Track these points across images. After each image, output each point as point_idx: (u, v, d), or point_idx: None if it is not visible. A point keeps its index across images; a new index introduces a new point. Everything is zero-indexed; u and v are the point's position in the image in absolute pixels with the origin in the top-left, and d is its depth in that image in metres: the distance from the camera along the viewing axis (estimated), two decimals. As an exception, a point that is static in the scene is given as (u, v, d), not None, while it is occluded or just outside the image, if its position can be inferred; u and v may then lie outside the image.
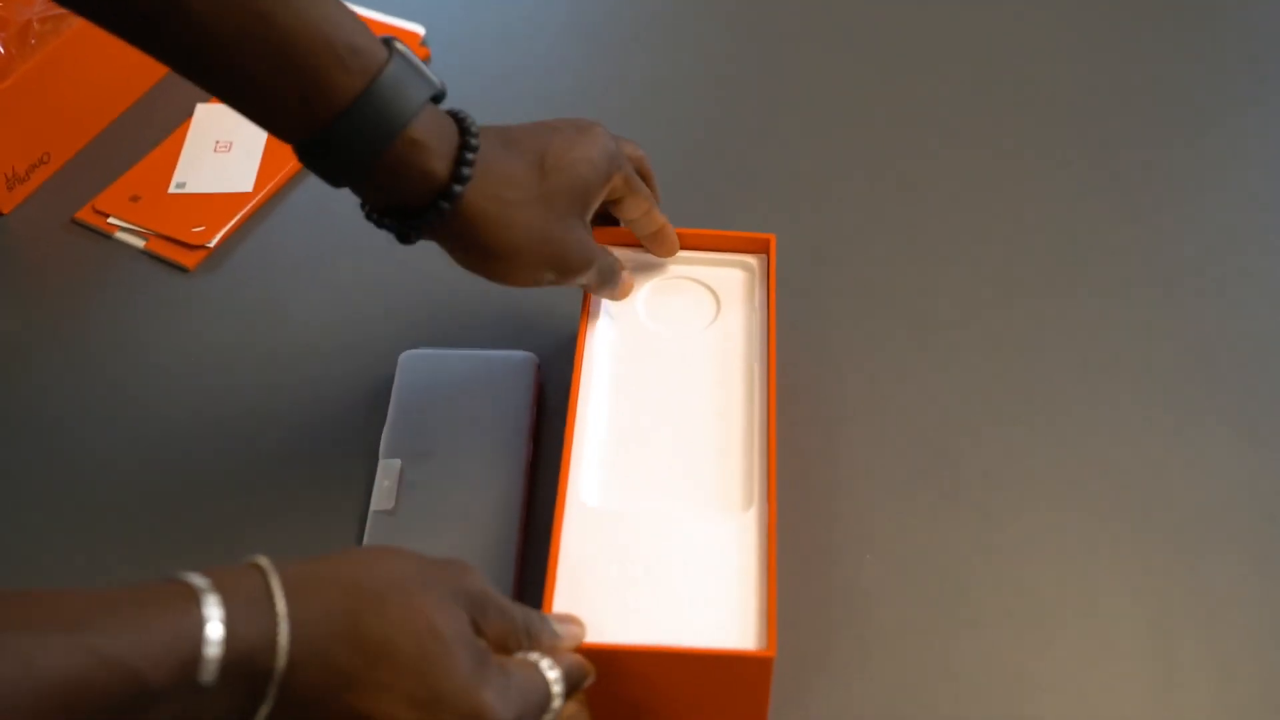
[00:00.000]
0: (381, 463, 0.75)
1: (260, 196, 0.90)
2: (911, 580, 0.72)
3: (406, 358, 0.80)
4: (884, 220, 0.91)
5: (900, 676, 0.69)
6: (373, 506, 0.73)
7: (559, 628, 0.60)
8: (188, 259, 0.86)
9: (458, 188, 0.64)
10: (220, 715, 0.50)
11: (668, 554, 0.65)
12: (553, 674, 0.57)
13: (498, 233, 0.67)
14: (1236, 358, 0.83)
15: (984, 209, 0.91)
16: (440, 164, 0.64)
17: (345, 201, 0.91)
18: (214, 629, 0.49)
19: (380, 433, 0.76)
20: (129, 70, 0.95)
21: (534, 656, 0.57)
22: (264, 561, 0.52)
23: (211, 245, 0.87)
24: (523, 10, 1.06)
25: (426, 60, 1.00)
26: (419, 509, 0.73)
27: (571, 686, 0.58)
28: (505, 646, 0.57)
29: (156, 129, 0.94)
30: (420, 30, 1.01)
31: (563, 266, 0.70)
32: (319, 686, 0.51)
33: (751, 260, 0.79)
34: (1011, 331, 0.84)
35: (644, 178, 0.75)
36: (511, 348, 0.81)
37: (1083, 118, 0.98)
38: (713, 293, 0.77)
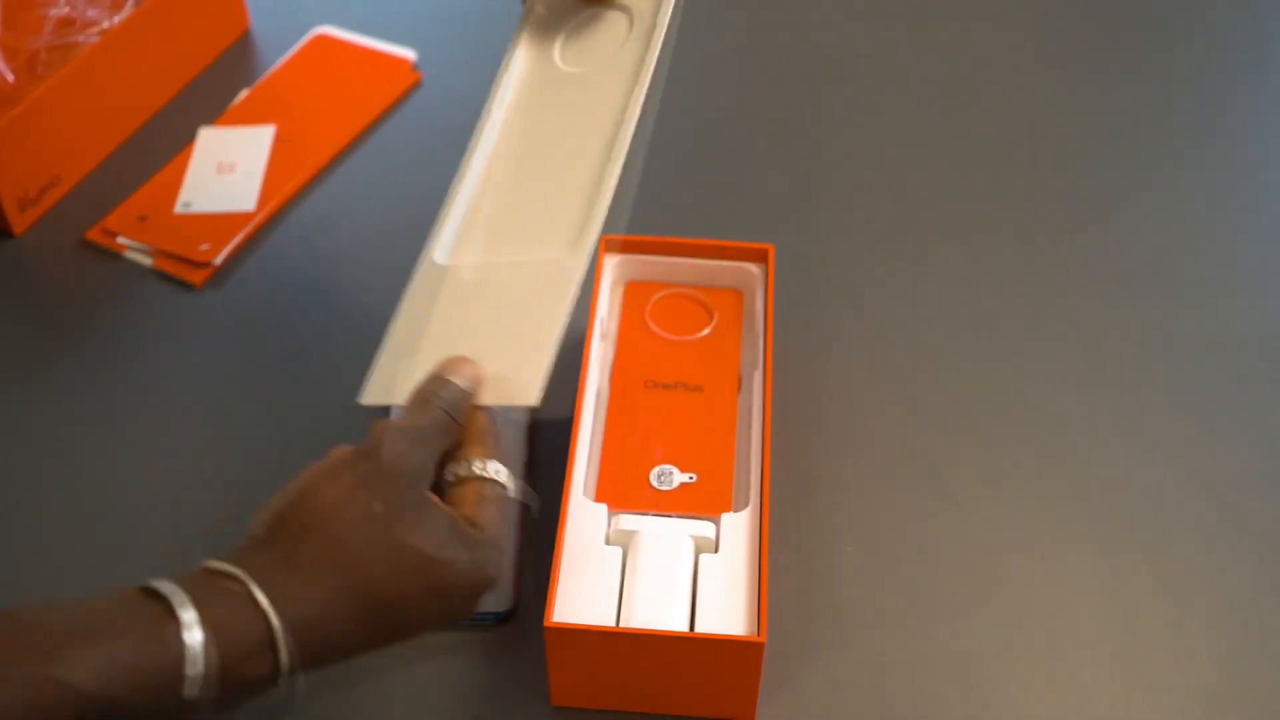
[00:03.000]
0: None
1: (263, 215, 0.91)
2: (890, 571, 0.73)
3: (407, 367, 0.82)
4: (872, 231, 0.92)
5: (881, 662, 0.70)
6: None
7: (460, 382, 0.58)
8: (194, 276, 0.88)
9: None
10: (247, 687, 0.50)
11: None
12: (493, 467, 0.58)
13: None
14: (1192, 355, 0.84)
15: (969, 217, 0.93)
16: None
17: (346, 219, 0.94)
18: (194, 642, 0.48)
19: (382, 439, 0.79)
20: (135, 96, 0.97)
21: (478, 468, 0.57)
22: (227, 567, 0.51)
23: (217, 263, 0.88)
24: (512, 34, 1.07)
25: (418, 84, 1.02)
26: None
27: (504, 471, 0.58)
28: (450, 454, 0.58)
29: (162, 152, 0.95)
30: (412, 56, 1.03)
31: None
32: (332, 646, 0.52)
33: (753, 268, 0.80)
34: (987, 334, 0.85)
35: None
36: (506, 356, 0.83)
37: (1070, 129, 1.00)
38: (628, 15, 0.68)
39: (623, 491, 0.70)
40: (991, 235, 0.92)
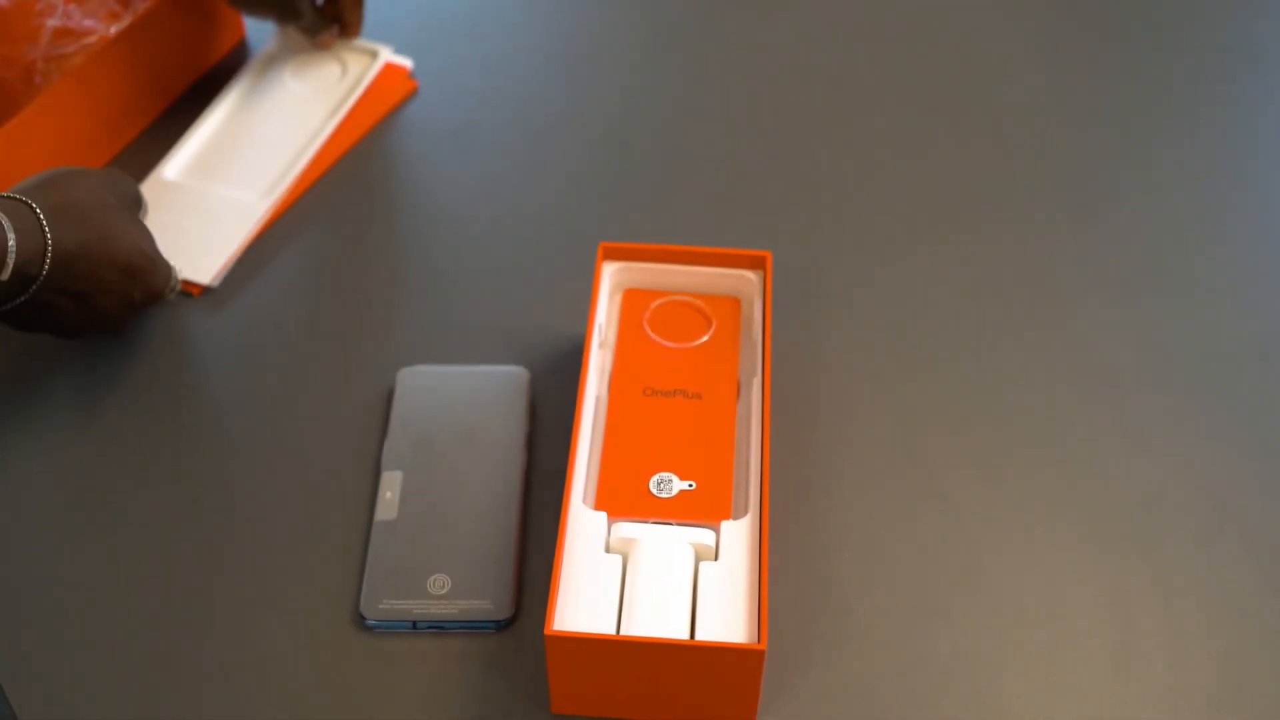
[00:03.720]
0: (383, 475, 0.76)
1: (261, 224, 0.91)
2: (889, 576, 0.74)
3: (405, 374, 0.81)
4: (869, 237, 0.92)
5: (881, 667, 0.70)
6: (376, 517, 0.74)
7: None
8: (193, 285, 0.88)
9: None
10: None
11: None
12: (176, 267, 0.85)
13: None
14: (1187, 356, 0.85)
15: (966, 223, 0.93)
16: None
17: (343, 229, 0.94)
18: (13, 242, 0.70)
19: (381, 446, 0.78)
20: (132, 105, 0.97)
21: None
22: (24, 199, 0.72)
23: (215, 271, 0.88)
24: (507, 42, 1.07)
25: (415, 92, 1.03)
26: (420, 518, 0.74)
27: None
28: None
29: (159, 160, 0.95)
30: (409, 64, 1.03)
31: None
32: (56, 284, 0.74)
33: (750, 275, 0.80)
34: (984, 339, 0.86)
35: None
36: (505, 363, 0.82)
37: (1066, 133, 1.00)
38: (342, 65, 0.98)
39: (622, 499, 0.70)
40: (988, 240, 0.92)
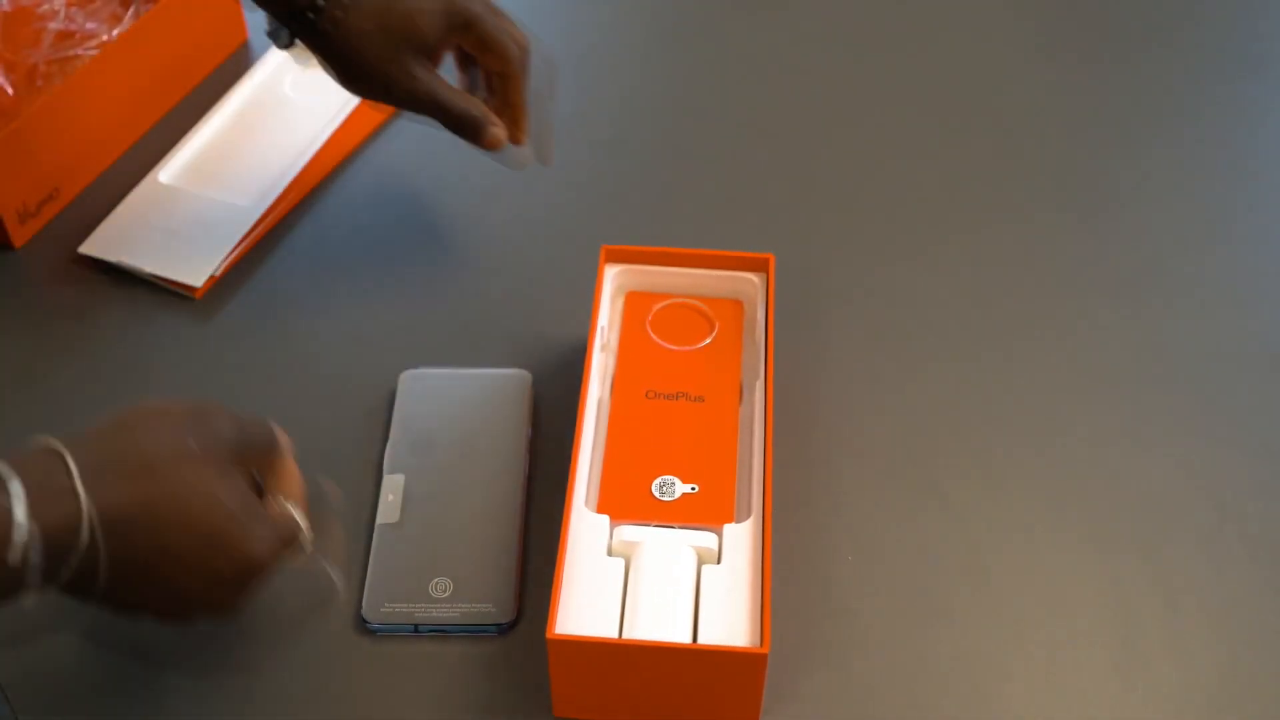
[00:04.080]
0: (385, 478, 0.76)
1: (263, 225, 0.91)
2: (891, 579, 0.74)
3: (406, 377, 0.81)
4: (872, 239, 0.92)
5: (883, 670, 0.70)
6: (379, 520, 0.74)
7: (281, 439, 0.66)
8: (188, 288, 0.88)
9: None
10: (12, 588, 0.54)
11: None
12: (298, 514, 0.65)
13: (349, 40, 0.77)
14: (1189, 357, 0.85)
15: (970, 225, 0.93)
16: None
17: (346, 231, 0.94)
18: (21, 514, 0.53)
19: (383, 450, 0.78)
20: (134, 108, 0.97)
21: (291, 505, 0.65)
22: (58, 445, 0.57)
23: (217, 274, 0.88)
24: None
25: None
26: (423, 521, 0.74)
27: (306, 533, 0.65)
28: (247, 463, 0.64)
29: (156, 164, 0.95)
30: None
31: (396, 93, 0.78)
32: (115, 558, 0.57)
33: (753, 278, 0.80)
34: (986, 341, 0.86)
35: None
36: (506, 366, 0.82)
37: (1067, 134, 1.00)
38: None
39: (624, 502, 0.70)
40: (990, 241, 0.93)
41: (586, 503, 0.71)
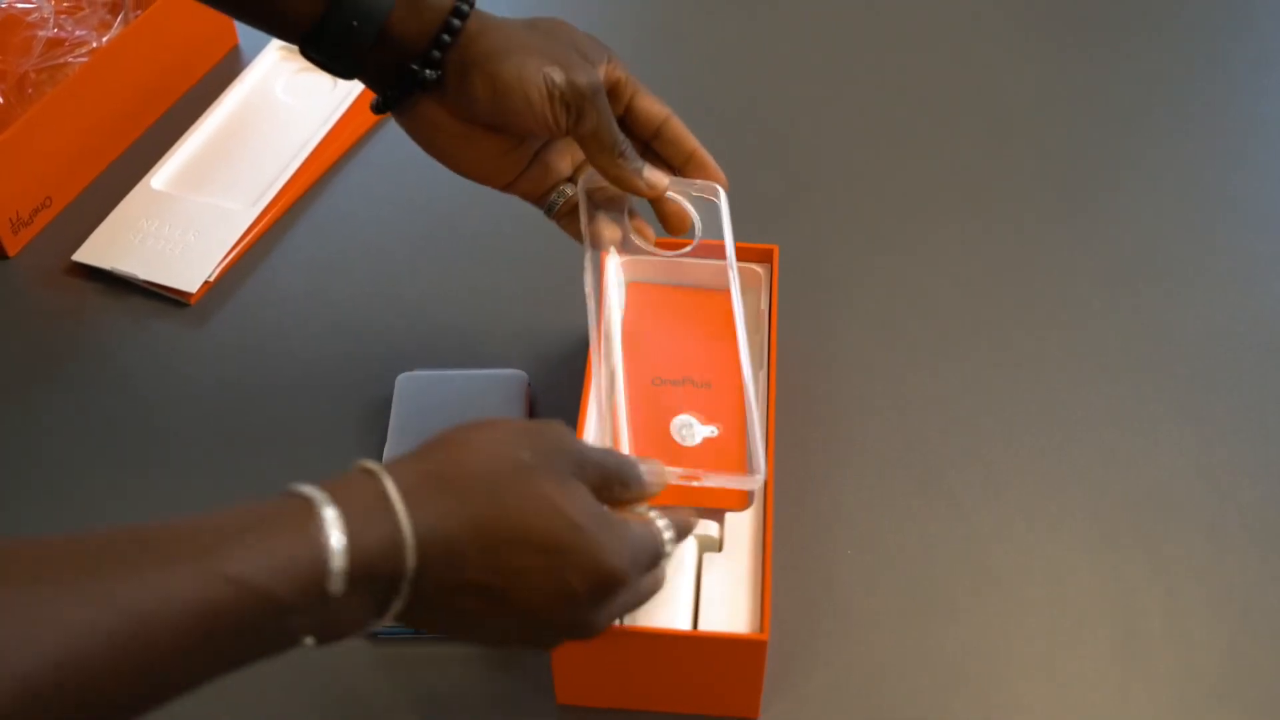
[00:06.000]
0: None
1: (258, 230, 0.92)
2: (892, 568, 0.74)
3: (403, 379, 0.81)
4: (871, 229, 0.93)
5: (884, 659, 0.70)
6: None
7: (645, 469, 0.60)
8: (182, 293, 0.88)
9: (464, 8, 0.67)
10: (354, 617, 0.51)
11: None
12: (663, 522, 0.59)
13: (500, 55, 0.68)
14: (1187, 346, 0.85)
15: (969, 216, 0.94)
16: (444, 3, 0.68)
17: (342, 234, 0.94)
18: (337, 540, 0.49)
19: (381, 451, 0.78)
20: (123, 116, 0.97)
21: (643, 509, 0.59)
22: (374, 466, 0.53)
23: (212, 279, 0.88)
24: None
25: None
26: None
27: (680, 536, 0.60)
28: (603, 493, 0.58)
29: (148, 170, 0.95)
30: None
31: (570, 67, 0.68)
32: (448, 581, 0.52)
33: (757, 268, 0.79)
34: (986, 332, 0.86)
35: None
36: (502, 367, 0.82)
37: (1063, 124, 1.01)
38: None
39: (647, 447, 0.68)
40: (992, 234, 0.93)
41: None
